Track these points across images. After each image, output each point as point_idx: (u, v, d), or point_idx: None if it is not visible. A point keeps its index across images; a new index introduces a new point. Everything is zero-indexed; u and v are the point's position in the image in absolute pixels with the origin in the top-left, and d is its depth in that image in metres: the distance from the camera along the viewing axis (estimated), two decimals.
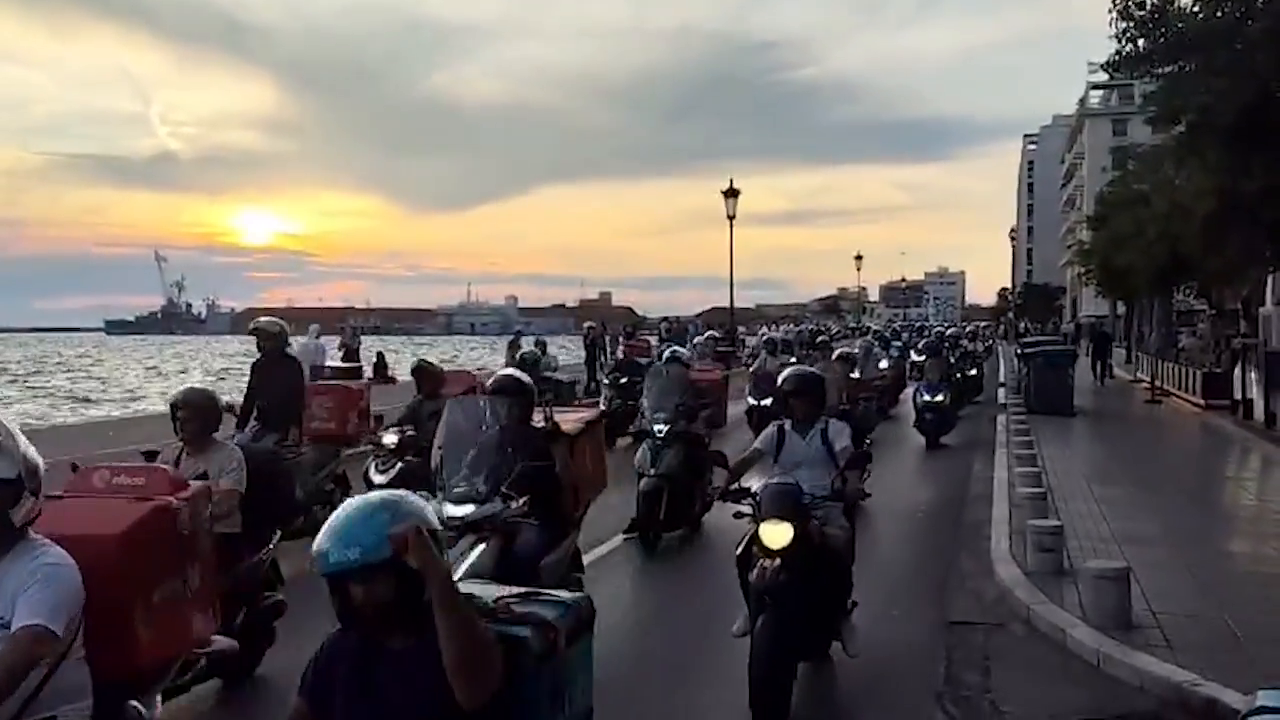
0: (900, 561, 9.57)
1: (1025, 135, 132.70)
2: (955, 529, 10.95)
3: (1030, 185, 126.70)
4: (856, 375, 16.04)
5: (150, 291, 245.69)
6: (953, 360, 22.55)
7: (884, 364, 21.69)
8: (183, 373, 54.94)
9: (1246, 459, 16.68)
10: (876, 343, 28.31)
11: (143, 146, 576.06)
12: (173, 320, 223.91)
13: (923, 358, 21.15)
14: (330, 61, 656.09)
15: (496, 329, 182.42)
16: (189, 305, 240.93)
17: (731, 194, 31.54)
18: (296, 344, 16.08)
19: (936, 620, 7.77)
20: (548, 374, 17.80)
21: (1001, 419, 19.45)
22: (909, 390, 21.23)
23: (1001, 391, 27.13)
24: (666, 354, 13.52)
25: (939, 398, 17.53)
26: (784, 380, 6.80)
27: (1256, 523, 11.41)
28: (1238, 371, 21.58)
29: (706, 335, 23.92)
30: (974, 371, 25.92)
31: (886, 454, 13.99)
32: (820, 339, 29.51)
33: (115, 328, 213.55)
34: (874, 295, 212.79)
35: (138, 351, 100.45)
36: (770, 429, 6.77)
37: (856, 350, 19.34)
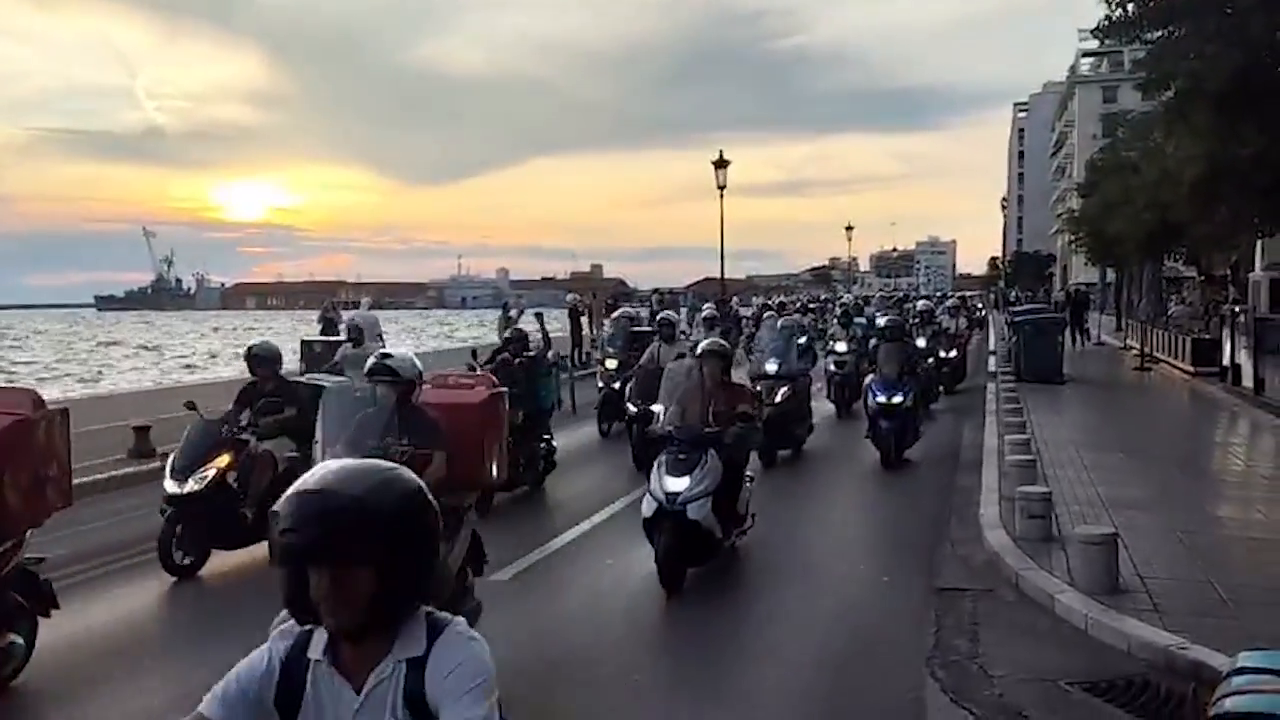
0: (890, 529, 9.62)
1: (1016, 103, 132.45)
2: (945, 496, 11.01)
3: (1021, 153, 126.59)
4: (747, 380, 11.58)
5: (140, 267, 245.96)
6: (924, 343, 18.60)
7: (841, 348, 18.18)
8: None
9: (1234, 424, 16.77)
10: (807, 317, 25.23)
11: (130, 121, 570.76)
12: (163, 296, 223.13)
13: (875, 342, 15.86)
14: (318, 33, 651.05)
15: (488, 302, 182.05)
16: (179, 280, 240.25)
17: (721, 164, 31.36)
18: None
19: (926, 586, 7.82)
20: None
21: (991, 387, 19.52)
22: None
23: (992, 360, 27.19)
24: (703, 345, 9.32)
25: (896, 398, 12.96)
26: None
27: (1244, 488, 11.48)
28: (1226, 338, 21.66)
29: (705, 312, 20.92)
30: (953, 353, 21.12)
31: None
32: (768, 315, 21.38)
33: (106, 304, 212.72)
34: (865, 265, 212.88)
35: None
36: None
37: (746, 332, 19.15)
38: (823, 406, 16.69)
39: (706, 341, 9.39)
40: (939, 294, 66.61)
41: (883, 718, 5.49)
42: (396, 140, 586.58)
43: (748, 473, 8.62)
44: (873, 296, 56.14)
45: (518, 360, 11.74)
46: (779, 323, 15.69)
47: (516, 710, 4.57)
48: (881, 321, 16.88)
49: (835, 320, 22.54)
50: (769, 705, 5.74)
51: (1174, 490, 10.83)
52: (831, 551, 9.03)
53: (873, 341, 17.13)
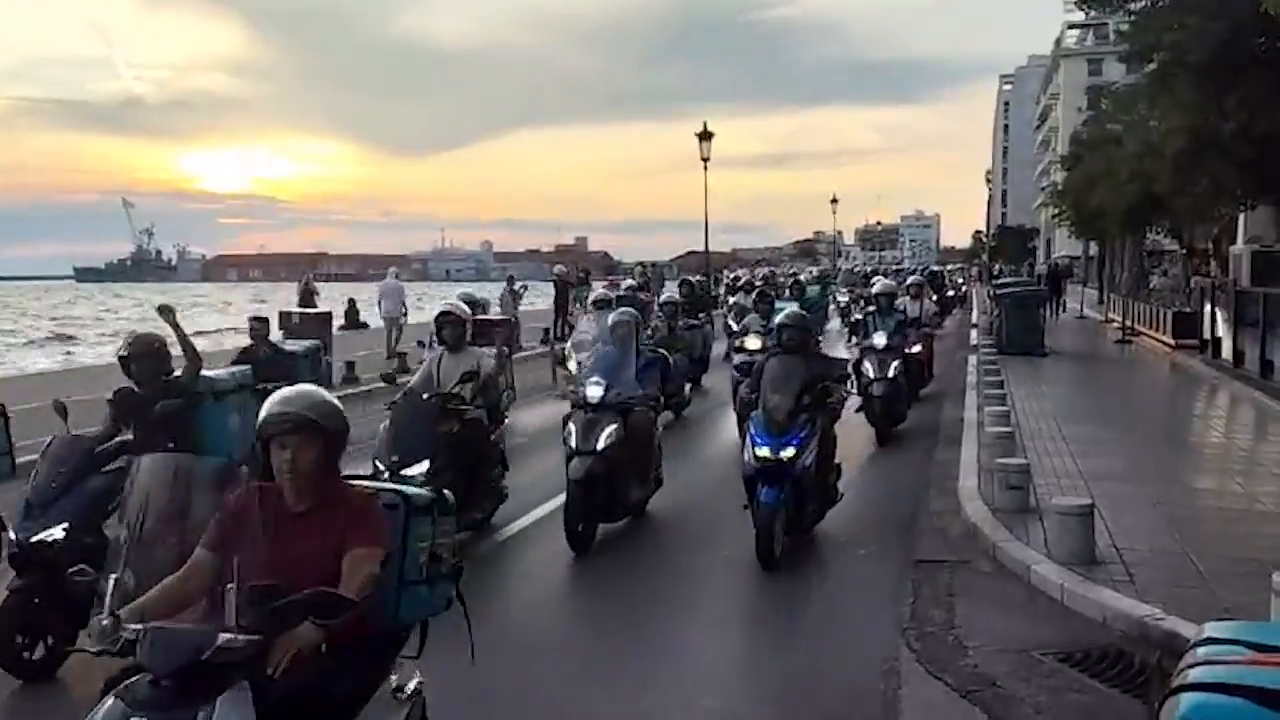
0: (869, 501, 9.60)
1: (1001, 76, 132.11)
2: (925, 468, 11.02)
3: (1005, 127, 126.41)
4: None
5: (119, 239, 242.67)
6: (883, 340, 13.16)
7: (752, 344, 13.19)
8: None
9: (1214, 397, 16.84)
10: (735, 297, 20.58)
11: (109, 91, 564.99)
12: (143, 268, 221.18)
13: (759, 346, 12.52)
14: (301, 2, 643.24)
15: (472, 274, 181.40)
16: (158, 252, 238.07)
17: (705, 136, 31.26)
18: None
19: (904, 558, 7.82)
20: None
21: (973, 360, 19.53)
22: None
23: (974, 333, 27.23)
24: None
25: (787, 451, 7.64)
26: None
27: (1222, 460, 11.53)
28: (1207, 311, 21.75)
29: (596, 293, 19.77)
30: (915, 349, 14.85)
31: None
32: (598, 300, 17.71)
33: (86, 276, 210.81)
34: (850, 239, 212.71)
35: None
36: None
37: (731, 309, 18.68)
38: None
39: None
40: (919, 266, 62.68)
41: (858, 688, 5.48)
42: (379, 111, 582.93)
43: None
44: (833, 269, 51.54)
45: None
46: (611, 318, 9.44)
47: (498, 680, 4.51)
48: (777, 321, 9.01)
49: (753, 304, 15.87)
50: (746, 675, 5.73)
51: (1152, 462, 10.86)
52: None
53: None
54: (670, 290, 20.23)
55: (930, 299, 19.12)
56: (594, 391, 8.28)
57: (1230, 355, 18.95)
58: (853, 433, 11.21)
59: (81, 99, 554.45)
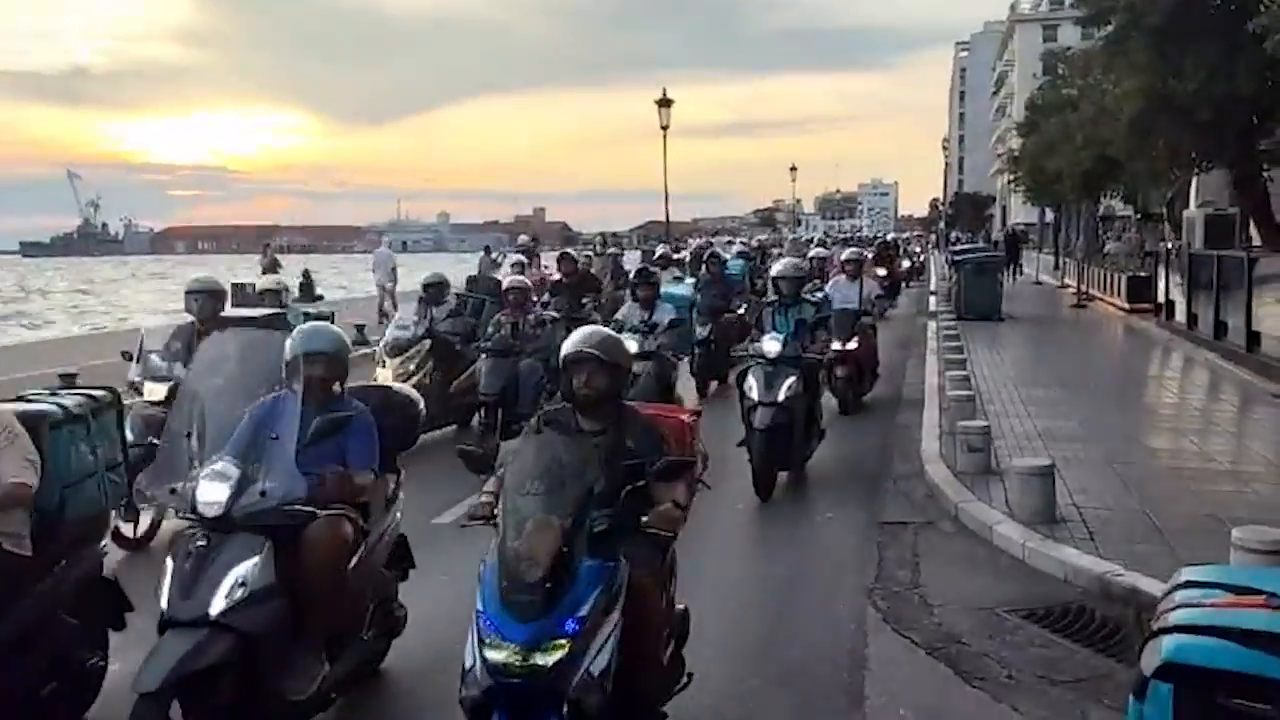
0: (834, 465, 9.65)
1: (958, 43, 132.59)
2: (887, 433, 11.09)
3: (962, 94, 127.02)
4: None
5: (65, 212, 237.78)
6: (775, 347, 8.73)
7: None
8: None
9: (1168, 359, 17.09)
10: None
11: (55, 61, 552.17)
12: (90, 241, 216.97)
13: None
14: None
15: (429, 246, 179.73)
16: (105, 225, 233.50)
17: (665, 104, 31.00)
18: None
19: (868, 521, 7.87)
20: None
21: (932, 326, 19.68)
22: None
23: (933, 300, 27.43)
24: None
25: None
26: None
27: (1177, 419, 11.70)
28: (1161, 274, 22.03)
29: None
30: (851, 345, 11.84)
31: None
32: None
33: (31, 250, 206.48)
34: (810, 207, 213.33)
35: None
36: None
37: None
38: None
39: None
40: (852, 236, 52.16)
41: (826, 648, 5.51)
42: (334, 80, 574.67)
43: None
44: (779, 239, 41.95)
45: None
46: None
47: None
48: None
49: (631, 291, 11.25)
50: (712, 637, 5.73)
51: (1109, 423, 11.00)
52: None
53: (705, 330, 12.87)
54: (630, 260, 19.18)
55: (875, 277, 17.26)
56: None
57: (1184, 318, 19.22)
58: None
59: (26, 69, 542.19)
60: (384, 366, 10.48)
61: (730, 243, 36.36)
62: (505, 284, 10.99)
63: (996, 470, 8.59)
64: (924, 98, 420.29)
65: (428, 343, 10.73)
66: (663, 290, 11.32)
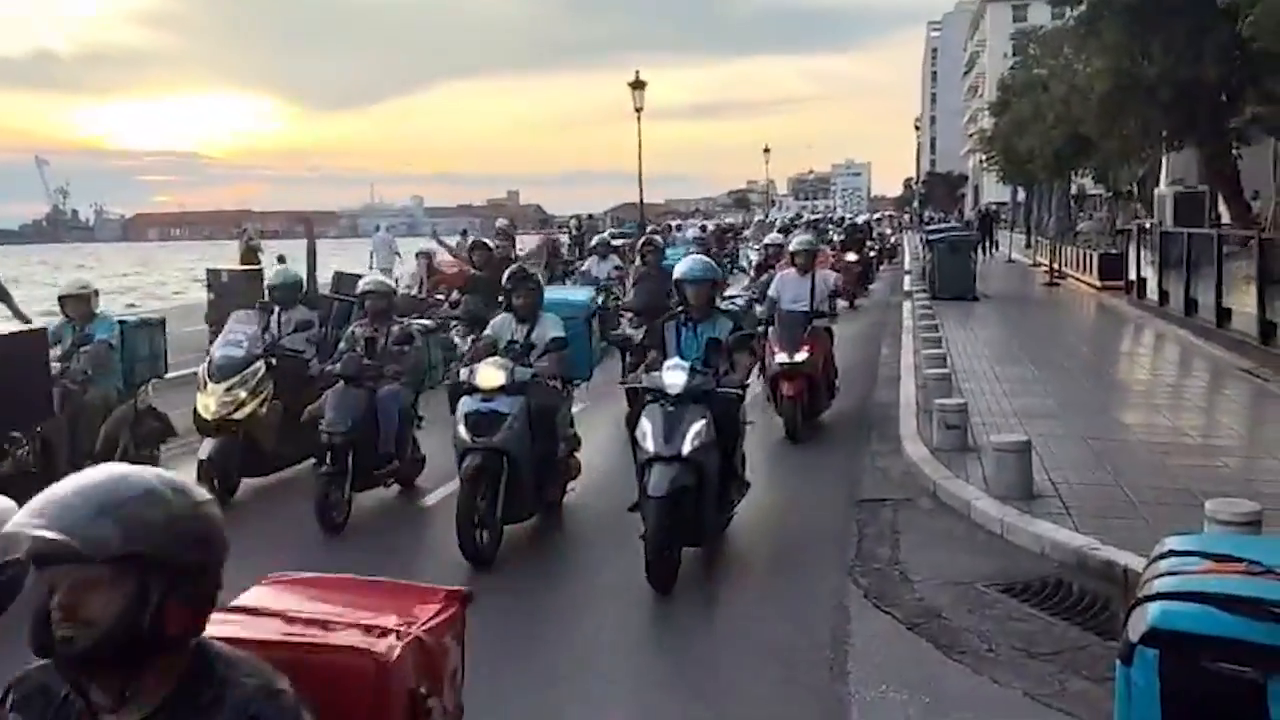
0: (812, 445, 9.71)
1: (929, 23, 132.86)
2: (865, 411, 11.17)
3: (934, 74, 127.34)
4: None
5: (33, 199, 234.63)
6: (675, 379, 6.34)
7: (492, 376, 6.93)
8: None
9: (1140, 335, 17.28)
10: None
11: (19, 45, 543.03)
12: (59, 228, 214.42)
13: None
14: None
15: (403, 231, 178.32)
16: (75, 212, 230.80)
17: (638, 85, 30.91)
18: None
19: (848, 499, 7.94)
20: None
21: (907, 305, 19.81)
22: None
23: (908, 280, 27.56)
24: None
25: None
26: None
27: (1149, 395, 11.84)
28: (1132, 252, 22.24)
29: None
30: (799, 356, 10.01)
31: None
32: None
33: (1, 238, 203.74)
34: (783, 188, 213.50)
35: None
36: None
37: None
38: None
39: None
40: (822, 217, 47.71)
41: (808, 623, 5.56)
42: (304, 64, 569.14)
43: None
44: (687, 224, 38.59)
45: None
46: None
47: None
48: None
49: (509, 290, 7.63)
50: (694, 615, 5.78)
51: (1083, 399, 11.13)
52: (755, 468, 9.08)
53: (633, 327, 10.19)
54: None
55: (844, 264, 16.20)
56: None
57: (1155, 295, 19.42)
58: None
59: None
60: (204, 392, 8.01)
61: (692, 226, 34.72)
62: (362, 286, 8.43)
63: (974, 447, 8.68)
64: (896, 78, 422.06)
65: (264, 364, 8.21)
66: (552, 295, 8.34)
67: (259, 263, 23.34)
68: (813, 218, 45.32)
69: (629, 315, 11.16)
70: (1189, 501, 6.80)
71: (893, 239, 40.84)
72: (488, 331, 7.51)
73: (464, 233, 25.71)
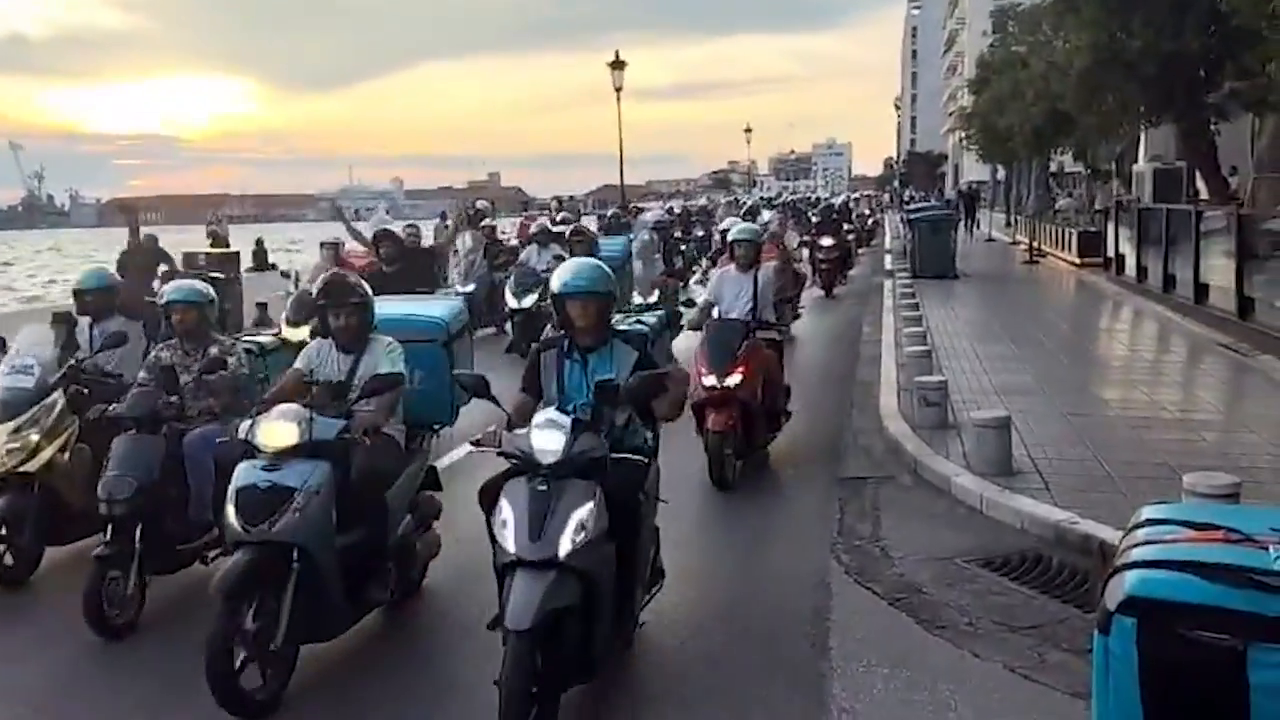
0: (793, 424, 9.71)
1: (910, 1, 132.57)
2: (846, 389, 11.18)
3: (914, 52, 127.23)
4: None
5: (8, 184, 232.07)
6: (567, 446, 4.22)
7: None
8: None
9: (1118, 312, 17.36)
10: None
11: None
12: (35, 213, 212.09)
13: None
14: None
15: (383, 213, 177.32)
16: (50, 197, 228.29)
17: (618, 65, 30.78)
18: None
19: (829, 476, 7.95)
20: None
21: (888, 284, 19.84)
22: None
23: (889, 258, 27.59)
24: None
25: None
26: None
27: (1127, 371, 11.90)
28: (1111, 229, 22.34)
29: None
30: (731, 375, 7.72)
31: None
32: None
33: None
34: (764, 168, 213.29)
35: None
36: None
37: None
38: None
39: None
40: (800, 197, 46.39)
41: (790, 601, 5.57)
42: (281, 46, 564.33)
43: None
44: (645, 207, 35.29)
45: None
46: None
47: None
48: None
49: (321, 318, 5.61)
50: (678, 591, 5.77)
51: (1062, 375, 11.18)
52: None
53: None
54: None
55: (820, 249, 16.22)
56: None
57: (1134, 272, 19.52)
58: None
59: None
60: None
61: (652, 208, 32.46)
62: (166, 294, 6.36)
63: (954, 424, 8.71)
64: (876, 57, 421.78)
65: (61, 398, 6.30)
66: (399, 310, 6.10)
67: (226, 246, 23.04)
68: (792, 198, 44.66)
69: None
70: (1168, 475, 6.84)
71: (871, 220, 39.42)
72: (298, 363, 5.45)
73: (442, 215, 25.20)
